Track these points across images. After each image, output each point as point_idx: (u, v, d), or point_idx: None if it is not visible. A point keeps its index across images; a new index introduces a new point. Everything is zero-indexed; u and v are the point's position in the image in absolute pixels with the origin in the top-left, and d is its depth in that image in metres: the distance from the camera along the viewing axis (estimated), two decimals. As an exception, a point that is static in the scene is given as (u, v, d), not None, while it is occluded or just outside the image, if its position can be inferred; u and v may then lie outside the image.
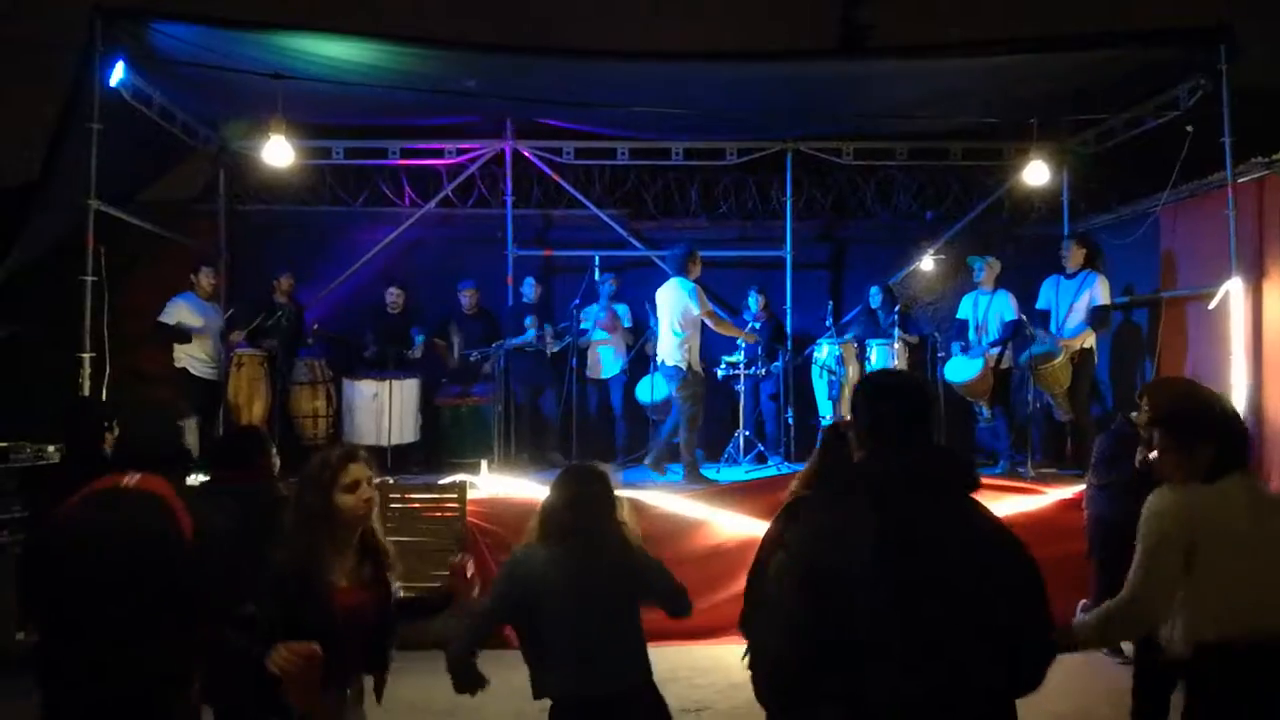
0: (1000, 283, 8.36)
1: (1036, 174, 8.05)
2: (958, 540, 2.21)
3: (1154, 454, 5.21)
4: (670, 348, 7.48)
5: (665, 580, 3.40)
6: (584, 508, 3.31)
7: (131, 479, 2.84)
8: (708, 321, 7.51)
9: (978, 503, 2.35)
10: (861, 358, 8.54)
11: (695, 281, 7.51)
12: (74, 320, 6.60)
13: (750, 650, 2.29)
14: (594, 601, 3.23)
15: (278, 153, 7.12)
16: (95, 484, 2.86)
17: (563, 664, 3.21)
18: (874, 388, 2.56)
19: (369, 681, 3.15)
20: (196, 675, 2.84)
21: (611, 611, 3.27)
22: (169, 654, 2.76)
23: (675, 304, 7.45)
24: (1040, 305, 8.16)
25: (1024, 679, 2.25)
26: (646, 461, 7.82)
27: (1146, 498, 5.23)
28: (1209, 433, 2.92)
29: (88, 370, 6.54)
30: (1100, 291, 7.84)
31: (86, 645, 2.72)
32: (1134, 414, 5.94)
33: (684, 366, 7.43)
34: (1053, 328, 7.92)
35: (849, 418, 2.53)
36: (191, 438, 3.09)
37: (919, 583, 2.15)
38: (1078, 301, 7.87)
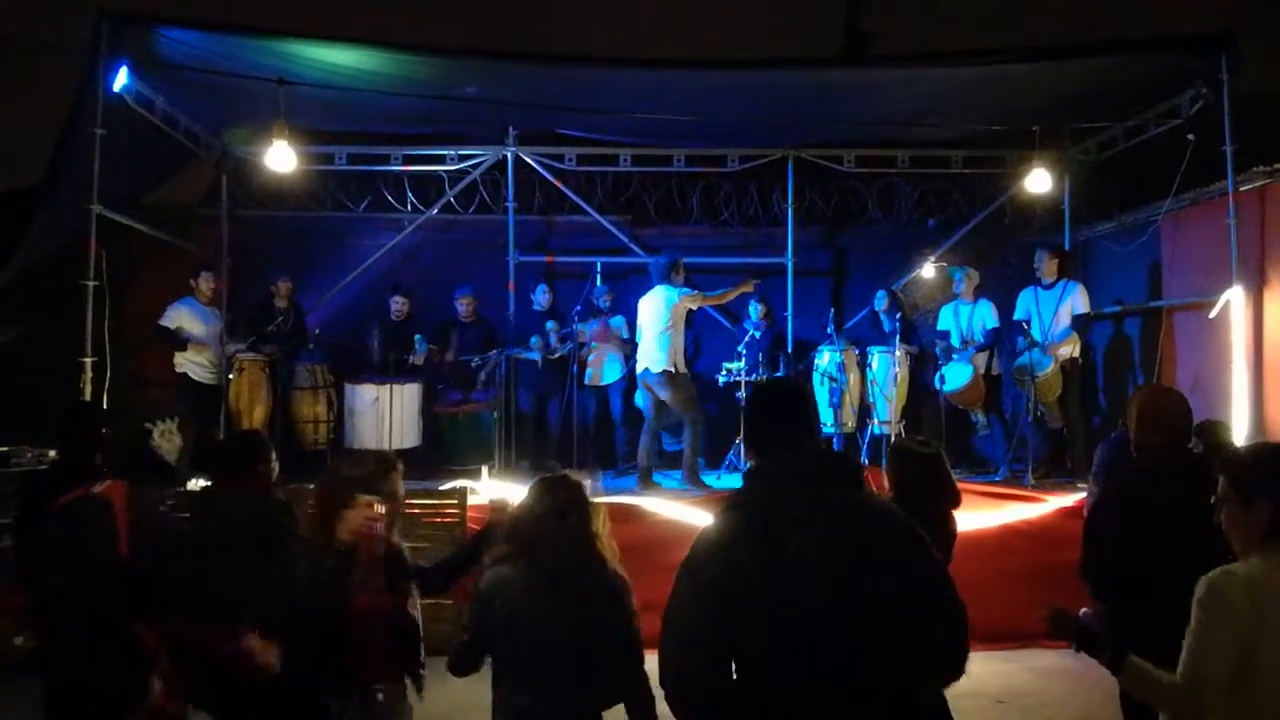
0: (998, 290, 8.39)
1: (1038, 182, 8.07)
2: (839, 536, 2.19)
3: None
4: (655, 354, 7.49)
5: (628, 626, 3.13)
6: (556, 523, 3.10)
7: (100, 487, 2.88)
8: (707, 303, 7.68)
9: (867, 495, 2.36)
10: (863, 365, 8.55)
11: (692, 296, 7.60)
12: (76, 324, 6.61)
13: (659, 662, 2.30)
14: (565, 627, 3.00)
15: (280, 158, 7.13)
16: (72, 494, 2.92)
17: (524, 690, 3.02)
18: (751, 397, 2.71)
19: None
20: (160, 678, 2.85)
21: (583, 635, 3.02)
22: (118, 658, 2.81)
23: (659, 309, 7.50)
24: (1019, 316, 8.20)
25: (940, 661, 2.24)
26: (681, 480, 7.80)
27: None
28: (1269, 489, 2.56)
29: (88, 375, 6.54)
30: (1081, 300, 7.93)
31: (55, 651, 2.81)
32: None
33: (672, 369, 7.45)
34: (1038, 335, 7.94)
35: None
36: (166, 442, 3.04)
37: (802, 583, 2.15)
38: (1060, 310, 7.92)
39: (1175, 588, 3.25)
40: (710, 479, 7.82)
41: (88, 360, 6.55)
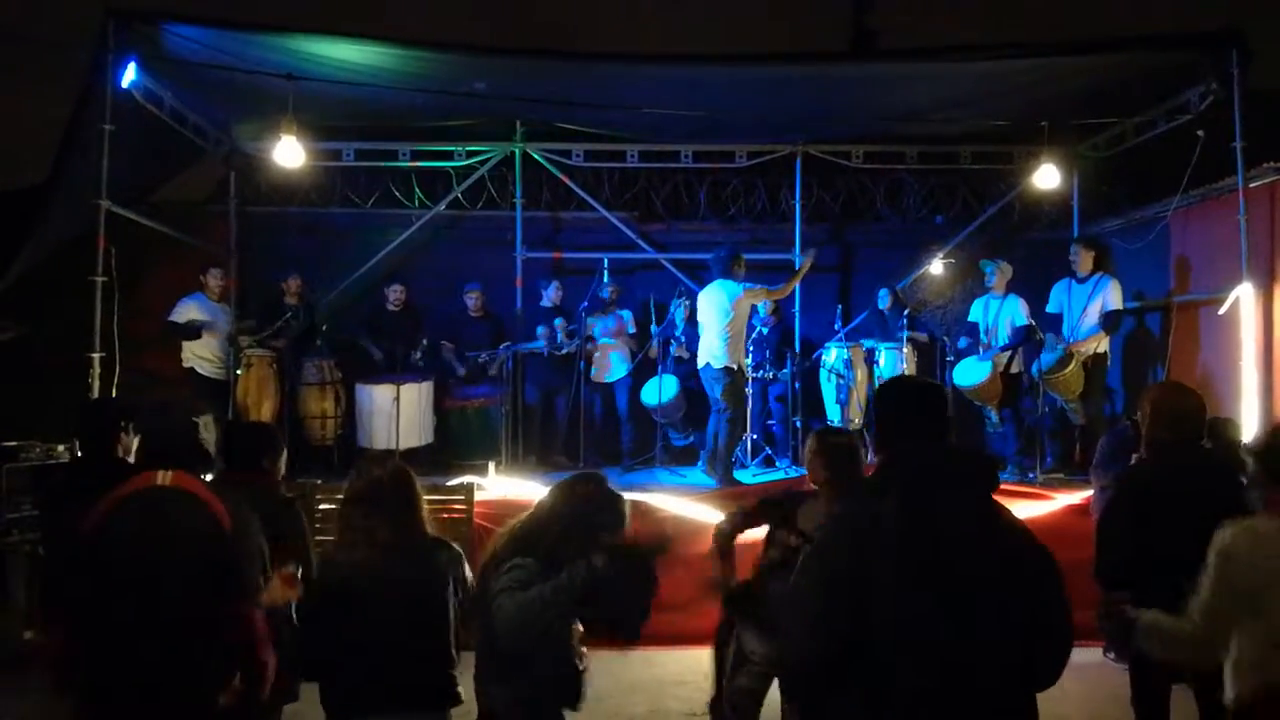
0: (1011, 287, 8.34)
1: (1047, 177, 8.03)
2: (980, 536, 2.24)
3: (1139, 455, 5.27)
4: (717, 350, 7.49)
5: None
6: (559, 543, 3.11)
7: (165, 478, 2.88)
8: (770, 297, 7.67)
9: (997, 501, 2.39)
10: (870, 361, 8.52)
11: (741, 281, 7.57)
12: (85, 320, 6.62)
13: (779, 645, 2.35)
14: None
15: (289, 153, 7.14)
16: (129, 485, 2.90)
17: None
18: (895, 390, 2.67)
19: None
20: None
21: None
22: (218, 654, 2.83)
23: (719, 305, 7.47)
24: (1051, 309, 8.13)
25: (1043, 674, 2.29)
26: (700, 468, 7.80)
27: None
28: None
29: (97, 370, 6.56)
30: (1114, 295, 7.81)
31: (136, 649, 2.76)
32: (1137, 416, 6.02)
33: (734, 366, 7.47)
34: (1065, 331, 7.89)
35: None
36: (208, 434, 3.09)
37: (941, 578, 2.18)
38: (1091, 305, 7.84)
39: (1187, 579, 3.30)
40: (742, 475, 7.84)
41: (96, 356, 6.56)
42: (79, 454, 4.42)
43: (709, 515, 6.85)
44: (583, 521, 3.13)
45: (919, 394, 2.55)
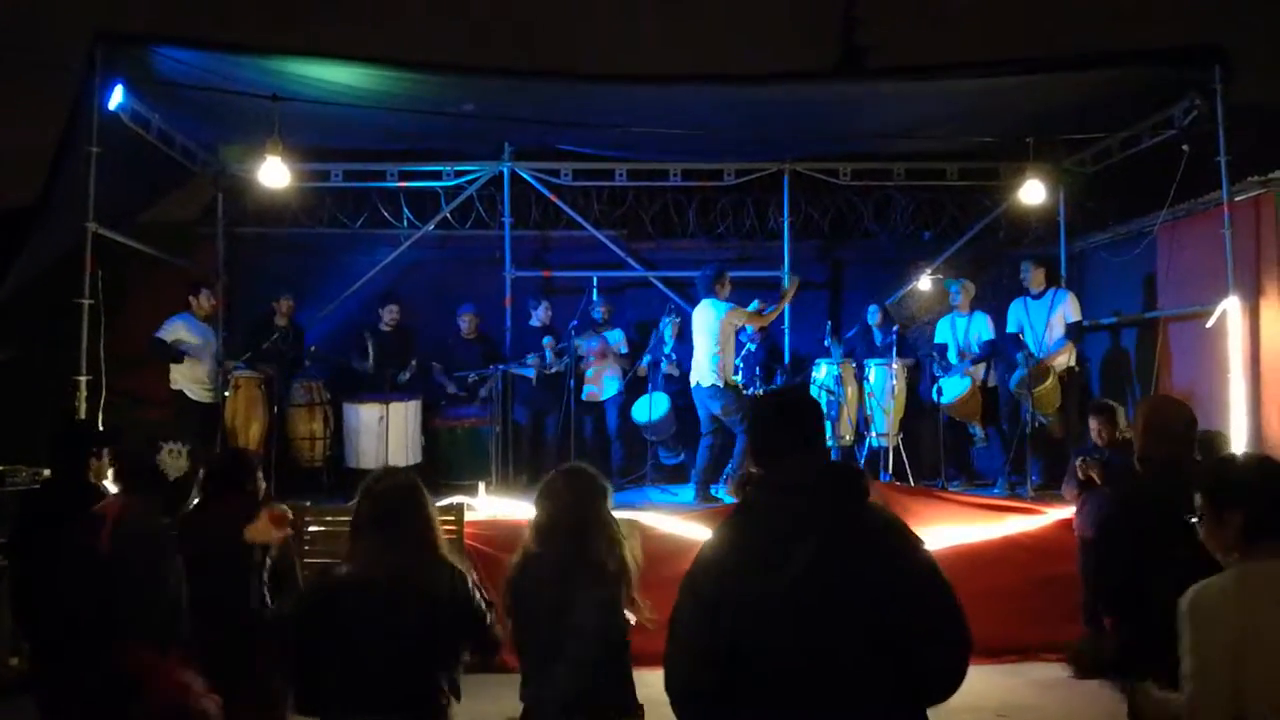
0: (993, 302, 8.40)
1: (1033, 193, 8.07)
2: (837, 550, 2.19)
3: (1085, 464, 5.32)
4: (706, 369, 7.54)
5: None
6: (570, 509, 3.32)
7: (116, 501, 2.89)
8: (753, 324, 7.65)
9: (870, 507, 2.33)
10: (860, 378, 8.53)
11: (726, 300, 7.63)
12: (72, 343, 6.59)
13: (664, 670, 2.33)
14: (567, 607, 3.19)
15: (274, 174, 7.13)
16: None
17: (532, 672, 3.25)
18: (754, 408, 2.64)
19: None
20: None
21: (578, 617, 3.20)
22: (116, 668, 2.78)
23: (709, 324, 7.54)
24: (1011, 329, 8.21)
25: (935, 686, 2.22)
26: (725, 489, 7.79)
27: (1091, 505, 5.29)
28: (1238, 499, 2.62)
29: (84, 393, 6.52)
30: (1072, 308, 7.98)
31: (60, 665, 2.77)
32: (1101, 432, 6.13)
33: (721, 384, 7.49)
34: (1033, 348, 7.94)
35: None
36: (173, 461, 3.06)
37: (798, 597, 2.15)
38: (1052, 319, 7.96)
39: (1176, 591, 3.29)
40: (719, 492, 7.81)
41: (83, 379, 6.52)
42: (50, 478, 4.37)
43: (704, 534, 6.84)
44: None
45: (781, 409, 2.54)
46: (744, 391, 7.78)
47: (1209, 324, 6.96)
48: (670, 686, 2.30)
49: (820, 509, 2.25)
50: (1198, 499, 2.75)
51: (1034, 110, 7.83)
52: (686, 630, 2.26)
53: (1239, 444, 6.67)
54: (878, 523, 2.30)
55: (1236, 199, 6.92)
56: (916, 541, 2.30)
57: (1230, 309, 6.84)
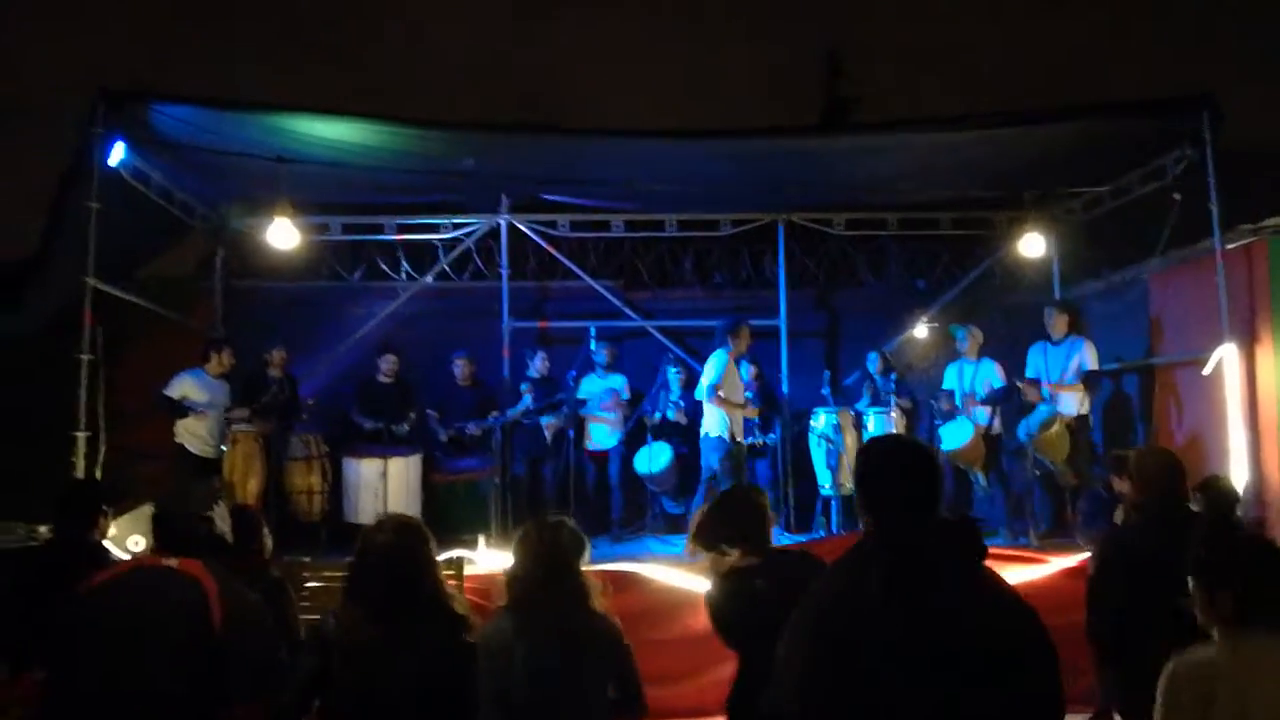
0: (986, 351, 8.41)
1: (1032, 246, 8.10)
2: (963, 611, 2.16)
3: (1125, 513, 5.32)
4: (711, 420, 7.56)
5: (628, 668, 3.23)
6: (543, 568, 3.19)
7: (170, 561, 2.83)
8: (712, 395, 7.51)
9: (990, 572, 2.31)
10: (859, 426, 8.53)
11: (739, 355, 7.71)
12: (70, 398, 6.56)
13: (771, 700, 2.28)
14: (548, 677, 3.05)
15: (283, 235, 7.16)
16: (131, 562, 2.86)
17: None
18: (875, 455, 2.50)
19: None
20: None
21: (568, 688, 3.08)
22: None
23: (704, 376, 7.61)
24: (1029, 374, 8.19)
25: None
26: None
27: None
28: (1229, 580, 2.68)
29: (82, 449, 6.49)
30: (1089, 356, 7.91)
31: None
32: (1110, 477, 6.11)
33: (726, 437, 7.48)
34: (1045, 394, 7.94)
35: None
36: (224, 524, 3.02)
37: (924, 655, 2.10)
38: (1068, 366, 7.92)
39: (1175, 639, 3.31)
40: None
41: (81, 435, 6.49)
42: (55, 536, 4.33)
43: (703, 587, 6.77)
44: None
45: (903, 458, 2.42)
46: (740, 444, 7.76)
47: (1207, 371, 7.00)
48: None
49: (939, 564, 2.22)
50: (1189, 579, 2.80)
51: (1025, 161, 7.93)
52: (796, 680, 2.18)
53: (1239, 489, 6.68)
54: (997, 585, 2.27)
55: (1228, 246, 6.99)
56: (1026, 603, 2.27)
57: (1227, 356, 6.89)
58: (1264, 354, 6.86)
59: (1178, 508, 3.94)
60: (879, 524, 2.34)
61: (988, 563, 2.33)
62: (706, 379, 7.56)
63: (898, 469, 2.38)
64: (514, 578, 3.28)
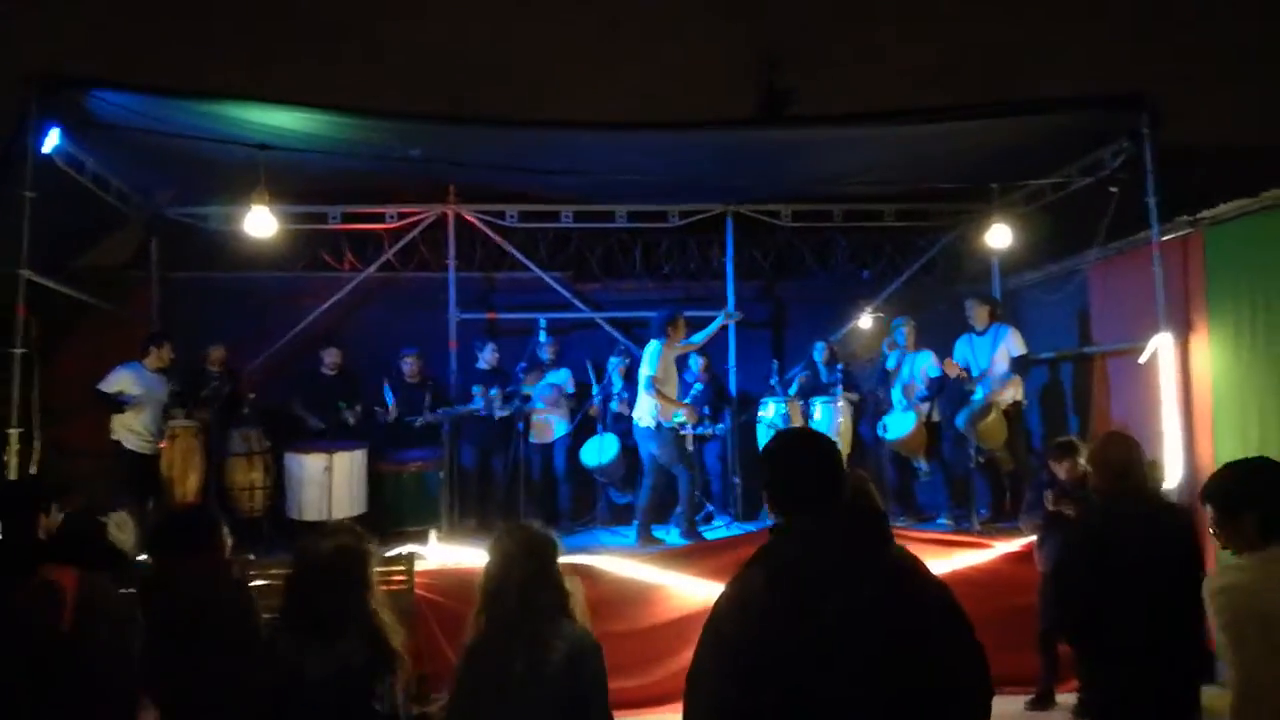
0: (929, 343, 8.55)
1: (999, 236, 8.17)
2: (877, 600, 2.16)
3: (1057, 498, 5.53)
4: (643, 409, 7.58)
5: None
6: (524, 588, 2.96)
7: (54, 572, 2.75)
8: (653, 384, 7.52)
9: (902, 554, 2.32)
10: (807, 415, 8.61)
11: (673, 346, 7.70)
12: (1, 393, 6.35)
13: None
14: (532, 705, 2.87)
15: (260, 224, 6.98)
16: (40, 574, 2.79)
17: None
18: (775, 450, 2.51)
19: None
20: None
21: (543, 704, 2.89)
22: None
23: (644, 362, 7.63)
24: (956, 362, 8.35)
25: None
26: (679, 532, 7.72)
27: (1056, 538, 5.49)
28: (1250, 503, 2.99)
29: (14, 446, 6.27)
30: (1015, 342, 8.12)
31: None
32: (1051, 463, 6.28)
33: (654, 426, 7.50)
34: (977, 382, 8.10)
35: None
36: (122, 533, 2.95)
37: (835, 647, 2.12)
38: (996, 354, 8.10)
39: (1145, 624, 3.47)
40: (660, 533, 7.76)
41: (14, 432, 6.28)
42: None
43: (657, 577, 6.80)
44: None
45: (811, 453, 2.42)
46: (680, 433, 7.79)
47: (1143, 359, 7.19)
48: None
49: (858, 557, 2.23)
50: (1209, 510, 3.05)
51: (965, 155, 8.03)
52: (710, 679, 2.20)
53: (1174, 474, 6.90)
54: (902, 566, 2.30)
55: (1165, 239, 7.17)
56: (937, 580, 2.30)
57: (1162, 345, 7.08)
58: (1198, 343, 7.05)
59: (1143, 496, 4.00)
60: (790, 521, 2.34)
61: (931, 548, 2.35)
62: (645, 370, 7.58)
63: (809, 465, 2.38)
64: (490, 588, 3.06)
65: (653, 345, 7.69)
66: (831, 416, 8.50)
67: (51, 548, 2.95)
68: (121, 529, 2.98)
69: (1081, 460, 5.98)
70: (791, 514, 2.35)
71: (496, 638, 2.94)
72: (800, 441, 2.56)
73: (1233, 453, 6.70)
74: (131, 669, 2.79)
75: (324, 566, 3.06)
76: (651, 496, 7.69)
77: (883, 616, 2.14)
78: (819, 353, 9.03)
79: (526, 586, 2.96)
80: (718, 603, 2.28)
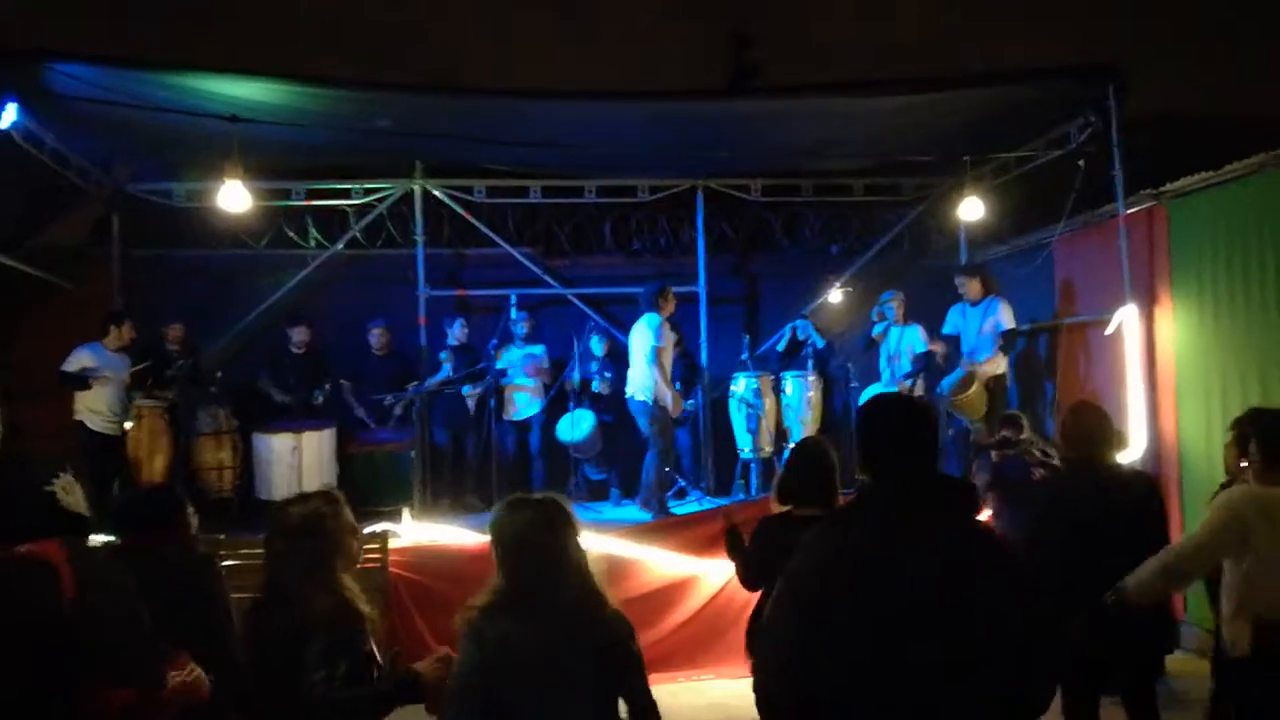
0: (909, 314, 8.60)
1: (971, 209, 8.17)
2: (949, 567, 2.18)
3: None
4: (641, 382, 7.55)
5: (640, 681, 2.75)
6: (537, 556, 2.72)
7: (21, 548, 2.67)
8: (657, 359, 7.53)
9: (979, 524, 2.39)
10: (778, 390, 8.65)
11: (665, 318, 7.65)
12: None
13: (753, 671, 2.30)
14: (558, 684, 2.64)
15: (234, 198, 6.81)
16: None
17: None
18: (870, 413, 2.50)
19: None
20: None
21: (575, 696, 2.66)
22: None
23: (643, 340, 7.55)
24: (947, 330, 8.45)
25: (1036, 697, 2.24)
26: (638, 502, 7.74)
27: (1015, 510, 5.64)
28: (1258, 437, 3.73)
29: (-26, 427, 6.15)
30: (1005, 315, 8.18)
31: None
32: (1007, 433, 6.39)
33: (649, 400, 7.50)
34: (964, 353, 8.19)
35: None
36: (70, 495, 2.86)
37: (907, 607, 2.13)
38: (984, 326, 8.17)
39: (1112, 582, 3.64)
40: (632, 509, 7.78)
41: (-28, 412, 6.15)
42: None
43: (632, 551, 6.81)
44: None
45: (890, 415, 2.44)
46: (670, 411, 7.79)
47: (1109, 331, 7.28)
48: (759, 684, 2.27)
49: (937, 522, 2.23)
50: (1252, 449, 3.72)
51: (931, 129, 8.05)
52: (784, 630, 2.21)
53: (1138, 442, 7.00)
54: (987, 537, 2.35)
55: (1130, 211, 7.25)
56: (1021, 563, 2.33)
57: (1127, 317, 7.17)
58: (1163, 315, 7.16)
59: (1098, 461, 4.08)
60: (868, 483, 2.36)
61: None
62: (648, 343, 7.52)
63: (896, 427, 2.37)
64: (502, 569, 2.80)
65: (650, 318, 7.62)
66: (802, 391, 8.56)
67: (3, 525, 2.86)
68: (69, 491, 2.87)
69: (1025, 433, 6.15)
70: (879, 476, 2.35)
71: (511, 619, 2.69)
72: (892, 405, 2.56)
73: (1195, 423, 6.84)
74: (147, 639, 2.75)
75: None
76: (659, 464, 7.68)
77: (965, 581, 2.17)
78: (802, 329, 9.00)
79: (541, 568, 2.73)
80: (795, 561, 2.28)
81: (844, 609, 2.14)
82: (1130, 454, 6.79)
